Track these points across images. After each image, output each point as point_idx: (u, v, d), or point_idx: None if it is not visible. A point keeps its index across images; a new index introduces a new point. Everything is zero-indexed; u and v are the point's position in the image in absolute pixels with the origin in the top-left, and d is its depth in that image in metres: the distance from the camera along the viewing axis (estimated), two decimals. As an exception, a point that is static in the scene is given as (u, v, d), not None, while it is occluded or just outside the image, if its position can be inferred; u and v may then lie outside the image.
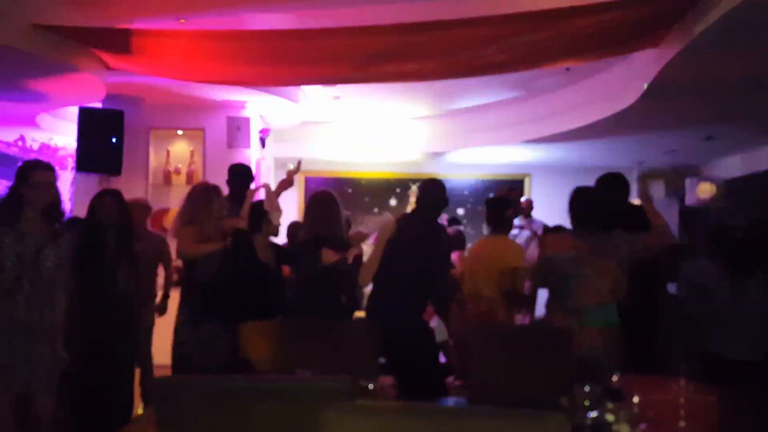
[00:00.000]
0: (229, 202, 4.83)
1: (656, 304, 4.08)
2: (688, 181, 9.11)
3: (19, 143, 8.21)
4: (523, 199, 7.73)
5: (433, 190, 4.14)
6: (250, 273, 3.96)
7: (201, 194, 4.19)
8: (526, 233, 7.20)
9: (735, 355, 3.88)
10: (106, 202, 4.17)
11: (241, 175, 4.96)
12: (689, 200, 8.99)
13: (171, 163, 7.49)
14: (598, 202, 3.80)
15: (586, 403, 1.93)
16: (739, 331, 3.91)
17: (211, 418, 1.84)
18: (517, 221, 7.19)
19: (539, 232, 6.61)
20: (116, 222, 4.15)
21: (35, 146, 8.27)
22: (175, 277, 5.26)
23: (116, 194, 4.29)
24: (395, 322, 3.74)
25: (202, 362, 3.88)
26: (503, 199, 5.42)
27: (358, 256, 4.16)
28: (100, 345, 4.02)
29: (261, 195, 4.32)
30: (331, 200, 4.14)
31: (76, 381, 3.81)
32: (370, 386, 2.09)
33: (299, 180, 10.46)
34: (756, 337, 3.90)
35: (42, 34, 4.85)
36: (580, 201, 3.78)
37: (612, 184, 4.19)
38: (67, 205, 7.99)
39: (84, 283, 3.89)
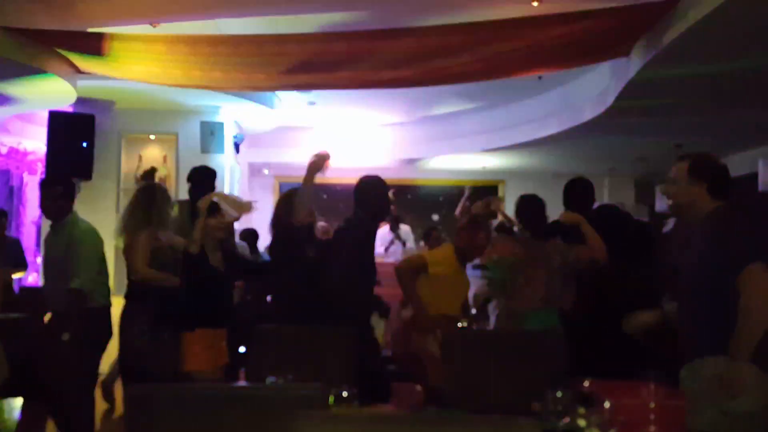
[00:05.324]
0: (191, 207, 4.65)
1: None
2: (657, 188, 9.26)
3: (-12, 147, 8.06)
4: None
5: (372, 188, 3.90)
6: (204, 282, 3.70)
7: (149, 196, 3.99)
8: None
9: None
10: None
11: (203, 177, 4.68)
12: (659, 207, 9.14)
13: (143, 168, 7.40)
14: (541, 211, 3.95)
15: (558, 408, 1.94)
16: None
17: (182, 427, 1.82)
18: None
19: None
20: None
21: (3, 150, 8.12)
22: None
23: None
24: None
25: (158, 371, 3.67)
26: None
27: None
28: None
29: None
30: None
31: None
32: (344, 393, 2.08)
33: (274, 185, 10.42)
34: None
35: (12, 36, 4.77)
36: (525, 208, 3.95)
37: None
38: (36, 211, 7.88)
39: None
